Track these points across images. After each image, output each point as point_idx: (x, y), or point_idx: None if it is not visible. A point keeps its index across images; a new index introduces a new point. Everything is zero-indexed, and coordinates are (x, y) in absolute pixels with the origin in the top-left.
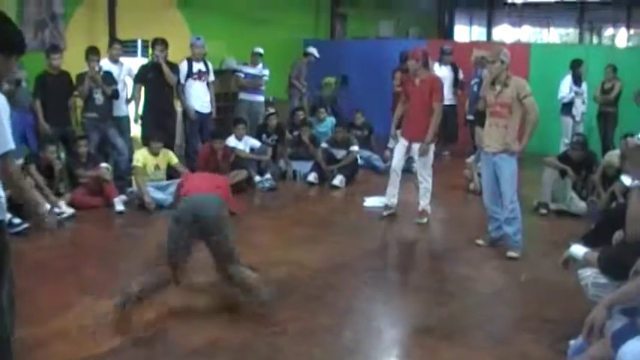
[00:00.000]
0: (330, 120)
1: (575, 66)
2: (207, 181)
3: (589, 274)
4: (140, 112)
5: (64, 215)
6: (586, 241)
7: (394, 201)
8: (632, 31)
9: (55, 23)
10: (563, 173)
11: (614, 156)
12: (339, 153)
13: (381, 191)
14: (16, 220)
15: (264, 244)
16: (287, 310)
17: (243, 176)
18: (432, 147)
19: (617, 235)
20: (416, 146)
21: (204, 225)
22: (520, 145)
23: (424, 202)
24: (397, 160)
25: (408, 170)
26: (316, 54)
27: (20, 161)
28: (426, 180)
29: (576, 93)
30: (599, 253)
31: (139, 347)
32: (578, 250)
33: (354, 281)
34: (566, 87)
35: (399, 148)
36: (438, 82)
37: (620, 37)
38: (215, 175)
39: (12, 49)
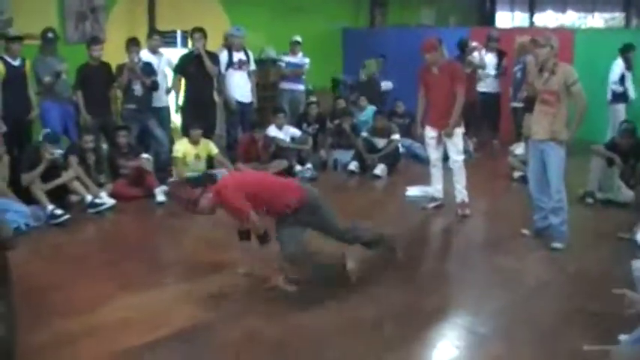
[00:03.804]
0: (371, 108)
1: (627, 50)
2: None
3: None
4: (180, 103)
5: (105, 206)
6: None
7: (440, 195)
8: None
9: (95, 15)
10: (610, 162)
11: None
12: (380, 142)
13: (423, 180)
14: (58, 212)
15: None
16: (327, 303)
17: (284, 166)
18: (460, 129)
19: None
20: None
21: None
22: (569, 133)
23: (460, 192)
24: (434, 155)
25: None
26: None
27: (60, 151)
28: (458, 162)
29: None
30: None
31: (176, 340)
32: None
33: (397, 273)
34: (617, 72)
35: (431, 143)
36: (458, 67)
37: None
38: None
39: None
